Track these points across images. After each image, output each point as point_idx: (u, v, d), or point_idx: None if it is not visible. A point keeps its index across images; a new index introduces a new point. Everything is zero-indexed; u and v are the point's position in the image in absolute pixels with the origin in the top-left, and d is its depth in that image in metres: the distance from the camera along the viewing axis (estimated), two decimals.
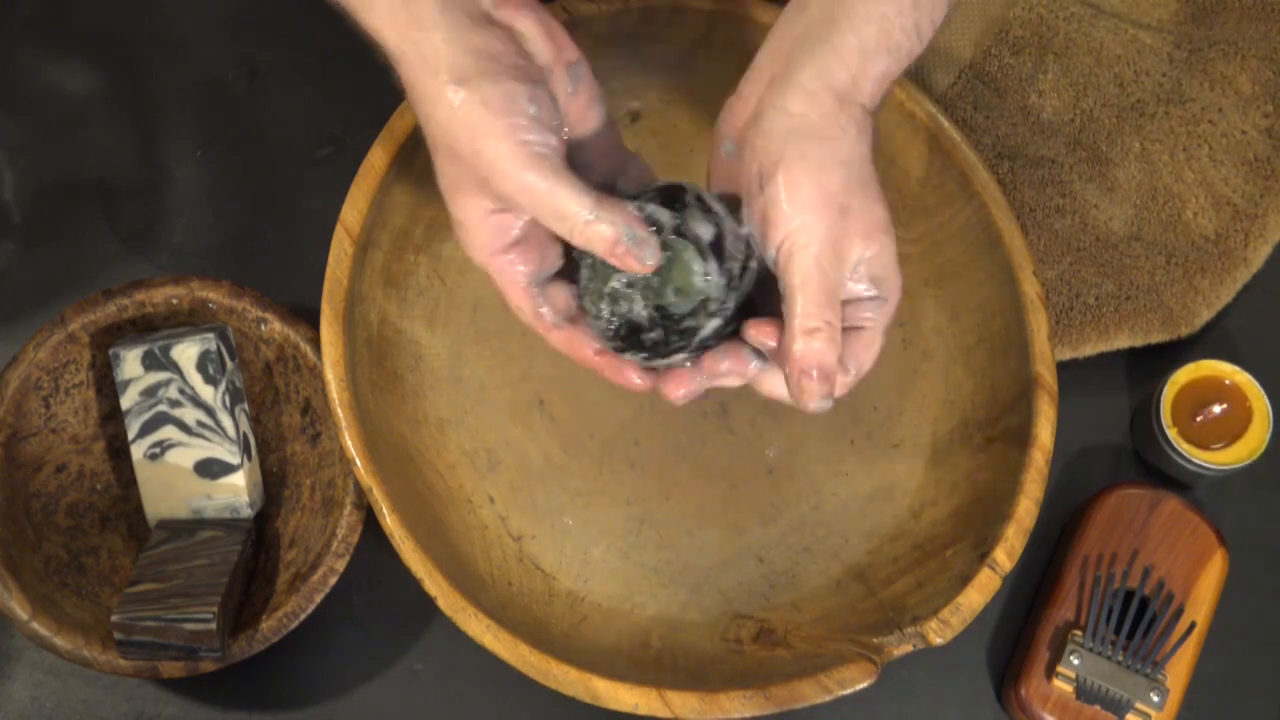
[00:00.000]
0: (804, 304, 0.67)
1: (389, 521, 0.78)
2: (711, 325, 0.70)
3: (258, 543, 0.87)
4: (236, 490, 0.85)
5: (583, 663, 0.77)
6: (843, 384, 0.71)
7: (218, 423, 0.85)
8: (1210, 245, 0.94)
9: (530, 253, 0.71)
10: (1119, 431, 0.94)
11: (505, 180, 0.67)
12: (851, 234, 0.68)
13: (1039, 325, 0.84)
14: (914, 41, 0.70)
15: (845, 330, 0.71)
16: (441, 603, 0.77)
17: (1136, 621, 0.87)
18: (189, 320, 0.87)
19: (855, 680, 0.76)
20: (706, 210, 0.70)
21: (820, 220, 0.67)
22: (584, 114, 0.72)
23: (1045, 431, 0.82)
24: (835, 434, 0.89)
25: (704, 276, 0.69)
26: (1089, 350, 0.93)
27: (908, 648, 0.77)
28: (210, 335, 0.84)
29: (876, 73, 0.69)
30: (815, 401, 0.68)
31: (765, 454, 0.88)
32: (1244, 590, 0.90)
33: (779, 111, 0.68)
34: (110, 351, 0.85)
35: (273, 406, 0.88)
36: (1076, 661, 0.85)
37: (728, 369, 0.71)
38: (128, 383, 0.85)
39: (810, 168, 0.67)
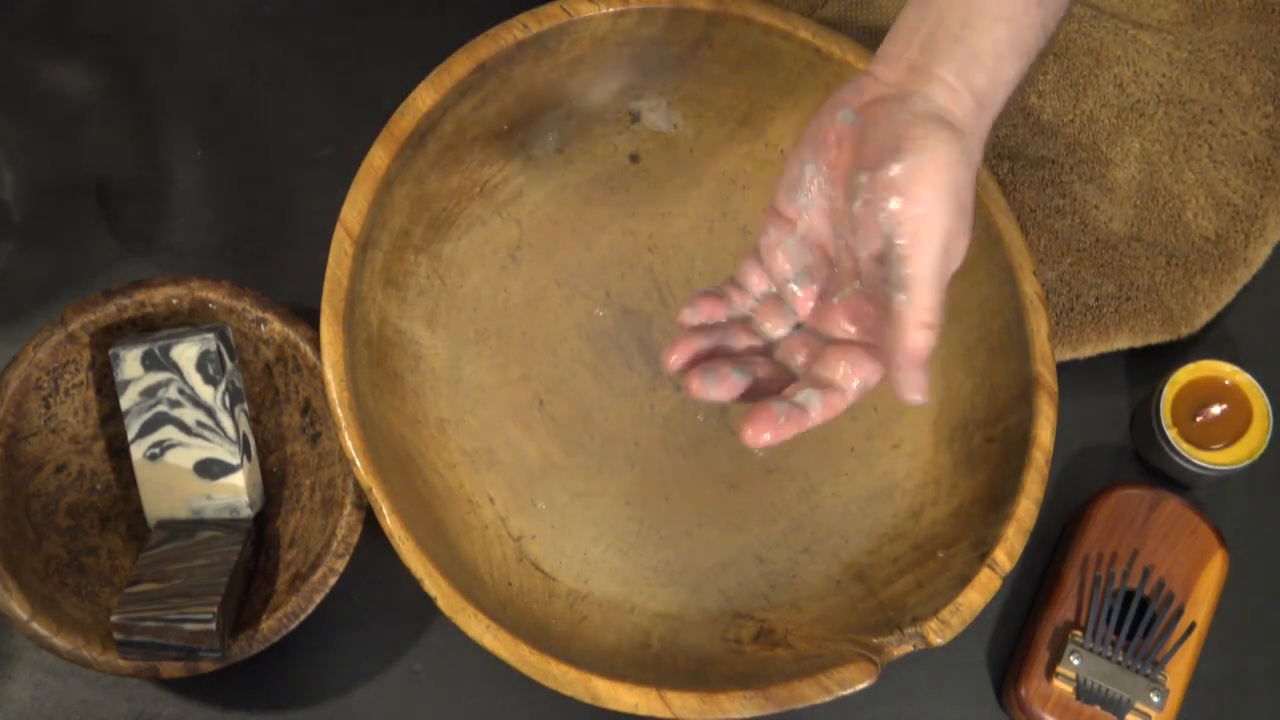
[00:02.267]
0: (924, 296, 0.66)
1: (389, 521, 0.78)
2: None
3: (258, 543, 0.87)
4: (236, 490, 0.85)
5: (583, 663, 0.77)
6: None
7: (217, 423, 0.85)
8: (1210, 245, 0.94)
9: None
10: (1119, 431, 0.94)
11: None
12: (961, 237, 0.67)
13: (1039, 325, 0.84)
14: (1041, 40, 0.69)
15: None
16: (441, 603, 0.77)
17: (1136, 621, 0.87)
18: (189, 320, 0.87)
19: (855, 680, 0.76)
20: None
21: (946, 212, 0.66)
22: None
23: (1045, 431, 0.82)
24: (835, 435, 0.89)
25: None
26: (1089, 351, 0.93)
27: (908, 648, 0.77)
28: (210, 335, 0.84)
29: (1008, 78, 0.68)
30: (920, 395, 0.67)
31: (764, 454, 0.88)
32: (1244, 590, 0.90)
33: (924, 98, 0.67)
34: (110, 351, 0.85)
35: (273, 406, 0.89)
36: (1076, 661, 0.85)
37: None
38: (128, 383, 0.85)
39: (951, 156, 0.66)
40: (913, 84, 0.68)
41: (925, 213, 0.65)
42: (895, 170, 0.66)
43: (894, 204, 0.66)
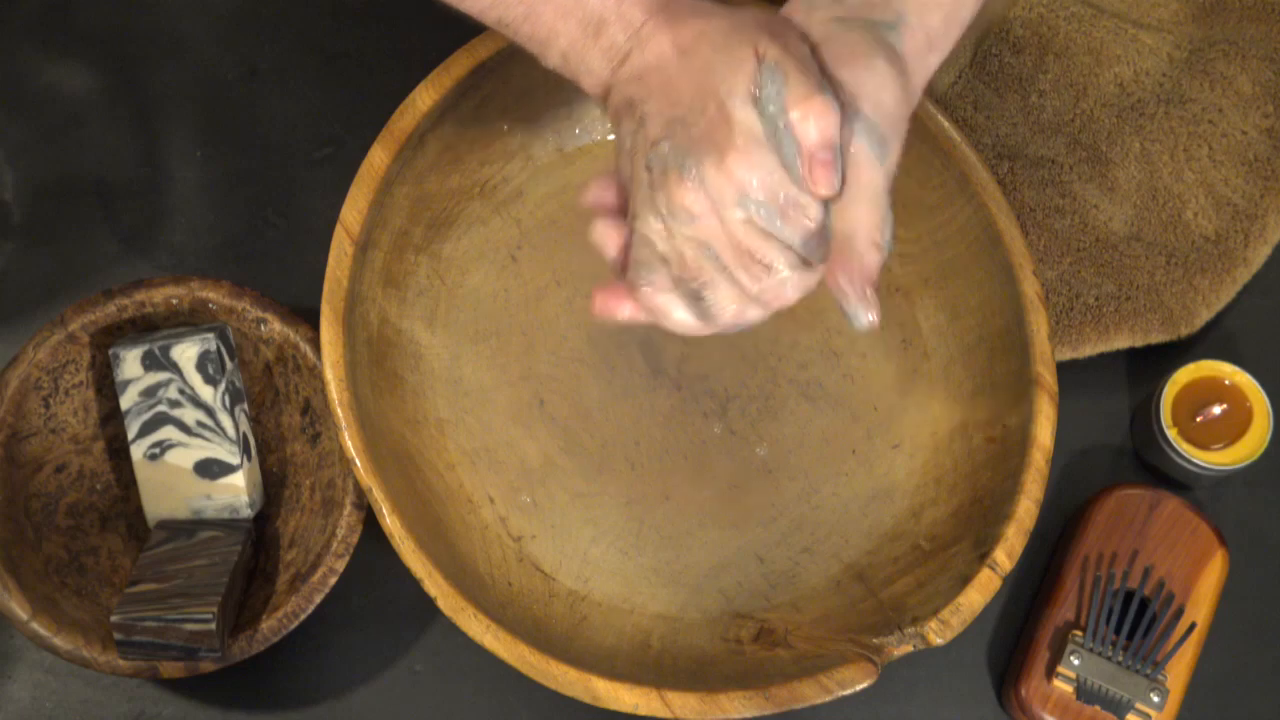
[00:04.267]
0: (882, 218, 0.66)
1: (389, 522, 0.78)
2: None
3: (258, 543, 0.87)
4: (236, 490, 0.85)
5: (583, 663, 0.77)
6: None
7: (217, 423, 0.85)
8: (1210, 245, 0.94)
9: None
10: (1119, 431, 0.94)
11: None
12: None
13: (1039, 325, 0.84)
14: (958, 32, 0.70)
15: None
16: (441, 603, 0.77)
17: (1136, 621, 0.87)
18: (189, 320, 0.87)
19: (855, 680, 0.76)
20: None
21: (896, 137, 0.66)
22: None
23: (1045, 431, 0.82)
24: (835, 434, 0.89)
25: None
26: (1089, 350, 0.93)
27: (908, 648, 0.77)
28: (210, 335, 0.84)
29: (962, 17, 0.69)
30: (874, 315, 0.67)
31: (764, 454, 0.88)
32: (1244, 590, 0.90)
33: (877, 26, 0.67)
34: (110, 351, 0.85)
35: (273, 406, 0.89)
36: (1076, 661, 0.85)
37: None
38: (128, 383, 0.85)
39: (891, 85, 0.66)
40: (869, 12, 0.67)
41: (886, 133, 0.66)
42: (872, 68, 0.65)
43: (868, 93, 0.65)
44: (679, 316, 0.68)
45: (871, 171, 0.66)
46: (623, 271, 0.70)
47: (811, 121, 0.63)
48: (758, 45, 0.64)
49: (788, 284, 0.66)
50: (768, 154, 0.63)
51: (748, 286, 0.66)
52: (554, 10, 0.68)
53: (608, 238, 0.70)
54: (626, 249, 0.69)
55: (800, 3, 0.69)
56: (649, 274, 0.67)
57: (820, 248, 0.65)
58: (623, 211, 0.70)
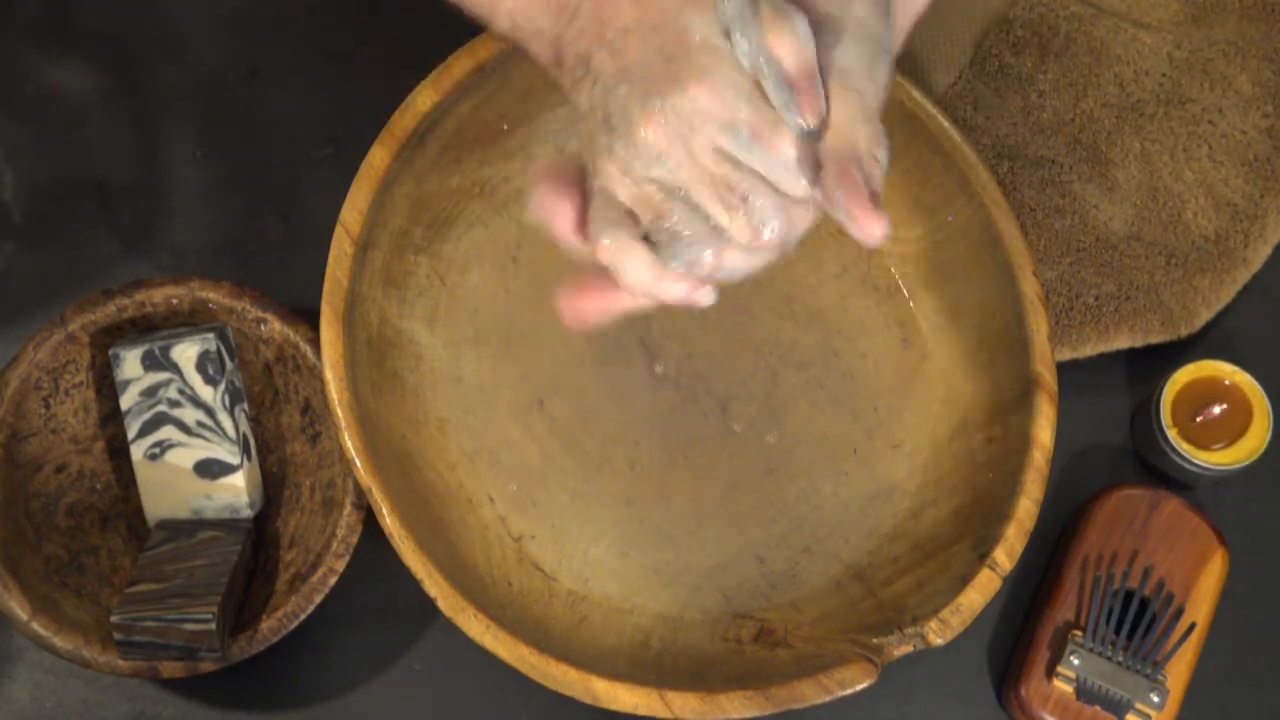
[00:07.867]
0: (877, 134, 0.60)
1: (389, 522, 0.78)
2: None
3: (258, 543, 0.87)
4: (236, 490, 0.85)
5: (583, 663, 0.77)
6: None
7: (217, 423, 0.85)
8: (1210, 245, 0.94)
9: None
10: (1119, 431, 0.94)
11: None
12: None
13: (1039, 325, 0.84)
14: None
15: None
16: (441, 603, 0.77)
17: (1136, 621, 0.87)
18: (189, 320, 0.87)
19: (855, 680, 0.76)
20: None
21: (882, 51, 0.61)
22: None
23: (1045, 431, 0.82)
24: (835, 434, 0.89)
25: None
26: (1089, 350, 0.93)
27: (908, 648, 0.77)
28: (210, 335, 0.84)
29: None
30: (879, 227, 0.60)
31: (765, 452, 0.88)
32: (1244, 590, 0.90)
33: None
34: (110, 351, 0.85)
35: (273, 406, 0.89)
36: (1076, 661, 0.85)
37: None
38: (128, 383, 0.85)
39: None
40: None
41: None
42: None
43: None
44: (643, 274, 0.61)
45: (861, 90, 0.61)
46: (581, 241, 0.63)
47: (788, 48, 0.58)
48: None
49: (769, 220, 0.60)
50: (735, 78, 0.59)
51: (725, 225, 0.60)
52: None
53: (557, 206, 0.63)
54: (582, 218, 0.63)
55: None
56: (614, 230, 0.61)
57: (801, 177, 0.60)
58: (575, 184, 0.64)
